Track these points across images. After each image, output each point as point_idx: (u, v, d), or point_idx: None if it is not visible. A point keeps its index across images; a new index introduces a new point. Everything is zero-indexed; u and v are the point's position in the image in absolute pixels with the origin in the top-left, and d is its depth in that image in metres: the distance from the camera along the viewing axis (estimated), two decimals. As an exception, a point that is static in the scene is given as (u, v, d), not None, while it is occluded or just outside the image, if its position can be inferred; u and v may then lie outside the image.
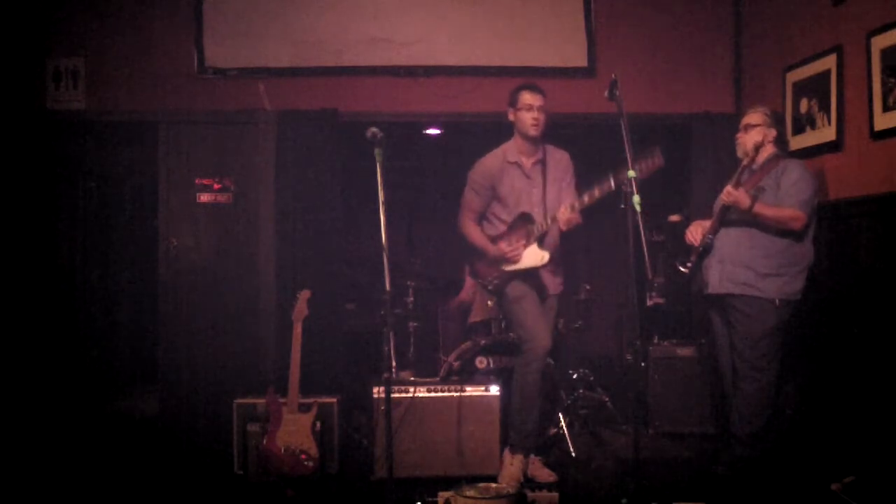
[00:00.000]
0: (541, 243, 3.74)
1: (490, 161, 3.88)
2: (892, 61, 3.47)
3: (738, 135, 3.75)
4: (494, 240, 3.86)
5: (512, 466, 3.73)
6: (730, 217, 3.68)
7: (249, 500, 3.73)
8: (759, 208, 3.53)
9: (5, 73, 4.56)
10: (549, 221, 3.67)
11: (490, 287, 3.93)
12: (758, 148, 3.66)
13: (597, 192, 3.48)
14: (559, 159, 3.88)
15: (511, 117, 3.81)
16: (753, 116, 3.74)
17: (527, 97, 3.74)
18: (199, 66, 4.72)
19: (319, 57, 4.77)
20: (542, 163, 3.83)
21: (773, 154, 3.71)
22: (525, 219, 3.77)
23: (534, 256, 3.74)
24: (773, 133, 3.72)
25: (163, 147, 4.72)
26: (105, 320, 5.86)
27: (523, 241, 3.75)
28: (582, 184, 3.92)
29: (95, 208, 5.55)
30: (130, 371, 6.19)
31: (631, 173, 3.00)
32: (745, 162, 3.63)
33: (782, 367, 3.67)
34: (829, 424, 3.79)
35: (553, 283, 3.87)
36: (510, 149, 3.86)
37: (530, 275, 3.79)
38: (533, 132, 3.74)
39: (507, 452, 3.80)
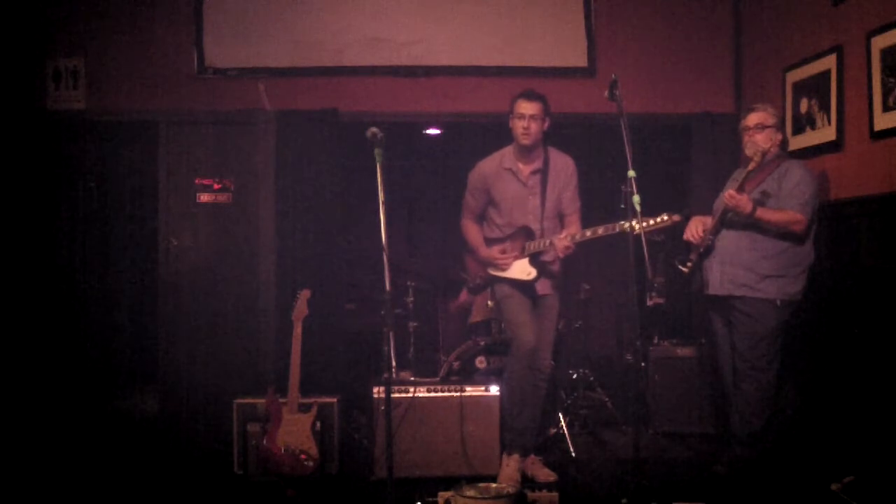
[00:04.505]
0: (533, 260, 3.75)
1: (486, 164, 3.90)
2: (892, 61, 3.47)
3: (750, 133, 3.70)
4: (490, 242, 3.89)
5: (508, 467, 3.73)
6: (730, 218, 3.67)
7: (249, 500, 3.72)
8: (761, 213, 3.53)
9: (5, 73, 4.55)
10: (546, 243, 3.68)
11: (471, 284, 4.02)
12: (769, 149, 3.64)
13: (601, 231, 3.51)
14: (562, 168, 3.85)
15: (510, 124, 3.81)
16: (767, 116, 3.69)
17: (520, 106, 3.73)
18: (199, 66, 4.72)
19: (319, 57, 4.77)
20: (543, 172, 3.80)
21: (775, 155, 3.71)
22: (526, 232, 3.78)
23: (521, 270, 3.77)
24: (780, 136, 3.72)
25: (163, 147, 4.72)
26: (105, 320, 5.84)
27: (516, 253, 3.77)
28: (582, 183, 3.92)
29: (95, 208, 5.53)
30: (130, 371, 6.17)
31: (631, 173, 3.01)
32: (751, 165, 3.58)
33: (782, 368, 3.67)
34: (829, 424, 3.79)
35: (545, 284, 3.84)
36: (508, 154, 3.86)
37: (515, 281, 3.80)
38: (523, 141, 3.74)
39: (503, 454, 3.81)
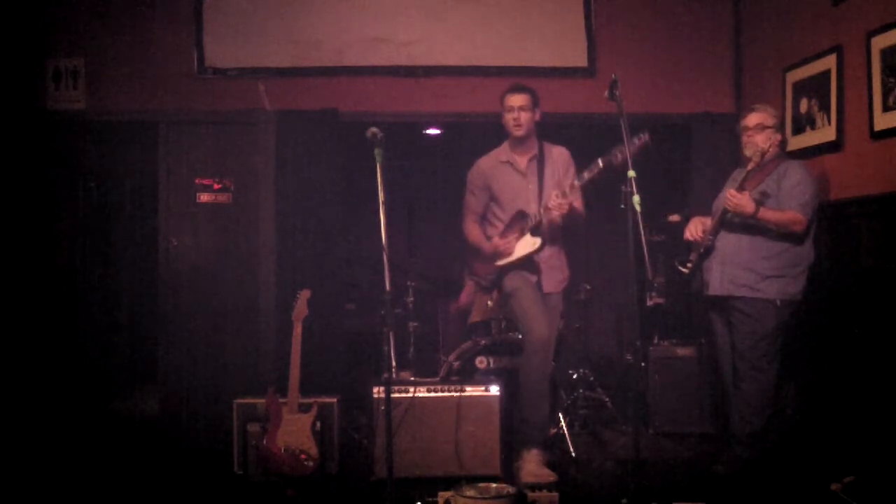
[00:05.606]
0: (534, 232, 3.76)
1: (484, 161, 3.96)
2: (892, 61, 3.47)
3: (749, 133, 3.70)
4: (492, 238, 3.91)
5: (530, 463, 3.72)
6: (730, 219, 3.67)
7: (249, 500, 3.72)
8: (763, 213, 3.53)
9: (5, 73, 4.55)
10: (542, 211, 3.71)
11: (485, 283, 4.02)
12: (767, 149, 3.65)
13: (586, 176, 3.52)
14: (558, 156, 3.90)
15: (502, 120, 3.86)
16: (767, 117, 3.70)
17: (507, 99, 3.82)
18: (198, 66, 4.72)
19: (319, 57, 4.77)
20: (539, 160, 3.86)
21: (774, 155, 3.71)
22: (521, 216, 3.82)
23: (526, 244, 3.78)
24: (779, 137, 3.72)
25: (163, 147, 4.72)
26: (105, 320, 5.85)
27: (517, 235, 3.79)
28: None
29: (95, 208, 5.54)
30: (130, 371, 6.18)
31: (631, 173, 3.01)
32: (750, 165, 3.59)
33: (782, 368, 3.67)
34: (829, 424, 3.79)
35: (550, 280, 3.87)
36: (503, 150, 3.94)
37: (525, 265, 3.81)
38: (516, 132, 3.81)
39: (523, 450, 3.79)
